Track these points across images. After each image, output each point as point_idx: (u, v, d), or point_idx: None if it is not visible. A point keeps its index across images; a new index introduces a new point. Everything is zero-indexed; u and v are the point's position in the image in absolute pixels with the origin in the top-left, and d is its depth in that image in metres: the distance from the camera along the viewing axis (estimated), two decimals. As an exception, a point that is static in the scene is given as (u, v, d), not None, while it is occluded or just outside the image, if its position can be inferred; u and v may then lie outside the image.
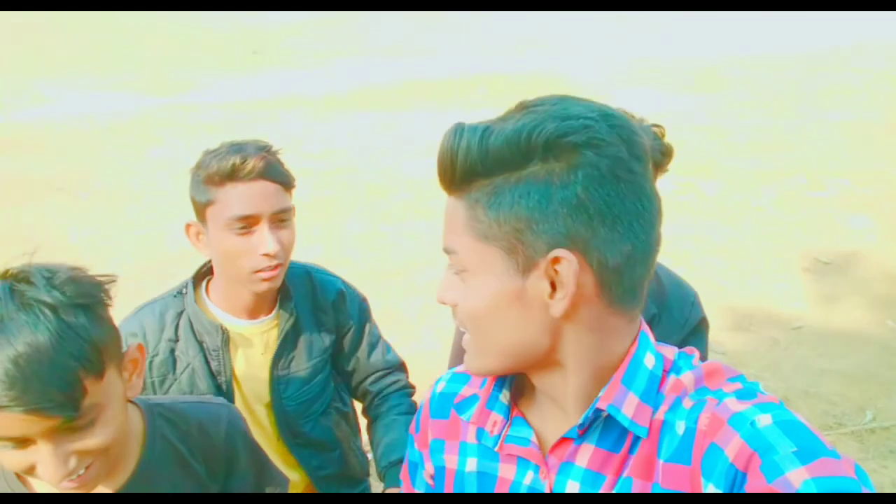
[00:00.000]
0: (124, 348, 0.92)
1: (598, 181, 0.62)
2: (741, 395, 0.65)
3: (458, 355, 1.54)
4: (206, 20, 16.35)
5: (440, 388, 0.87)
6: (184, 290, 1.39)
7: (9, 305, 0.78)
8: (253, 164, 1.24)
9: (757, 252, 4.58)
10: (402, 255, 4.50)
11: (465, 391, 0.83)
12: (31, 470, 0.83)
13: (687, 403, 0.67)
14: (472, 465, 0.79)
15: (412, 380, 1.68)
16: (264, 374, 1.41)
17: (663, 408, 0.68)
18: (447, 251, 0.70)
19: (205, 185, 1.27)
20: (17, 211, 5.25)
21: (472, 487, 0.78)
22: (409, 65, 11.64)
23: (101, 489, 0.92)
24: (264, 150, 1.29)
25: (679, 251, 4.46)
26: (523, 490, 0.74)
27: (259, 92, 9.73)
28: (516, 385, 0.78)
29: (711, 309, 3.81)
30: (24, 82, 10.04)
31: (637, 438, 0.68)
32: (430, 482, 0.86)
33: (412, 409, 1.58)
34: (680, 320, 1.37)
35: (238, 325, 1.38)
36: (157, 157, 6.47)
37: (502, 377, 0.77)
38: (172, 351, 1.36)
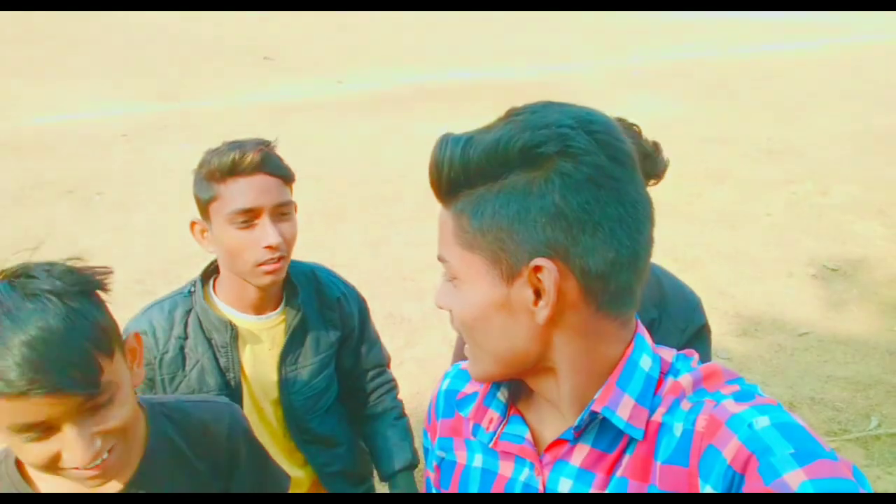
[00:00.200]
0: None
1: (576, 189, 0.63)
2: (739, 397, 0.66)
3: (460, 358, 1.56)
4: (217, 26, 16.46)
5: (445, 385, 0.89)
6: (192, 288, 1.42)
7: (14, 297, 0.80)
8: (251, 157, 1.27)
9: (764, 258, 4.56)
10: (409, 260, 4.52)
11: (468, 388, 0.85)
12: (55, 462, 0.83)
13: (685, 405, 0.68)
14: (478, 461, 0.80)
15: (418, 383, 1.71)
16: (272, 370, 1.43)
17: (661, 410, 0.69)
18: (440, 259, 0.72)
19: (206, 181, 1.30)
20: (28, 213, 5.30)
21: (475, 482, 0.79)
22: (417, 72, 11.68)
23: (105, 488, 0.93)
24: (263, 144, 1.32)
25: (686, 257, 4.46)
26: (519, 486, 0.75)
27: (269, 97, 9.78)
28: (515, 385, 0.79)
29: (718, 314, 3.83)
30: (36, 88, 10.14)
31: (633, 440, 0.69)
32: (437, 474, 0.87)
33: (403, 412, 1.63)
34: (681, 325, 1.37)
35: (245, 321, 1.41)
36: (167, 161, 6.51)
37: None
38: (182, 348, 1.38)
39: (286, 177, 1.34)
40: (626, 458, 0.69)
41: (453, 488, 0.82)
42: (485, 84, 10.16)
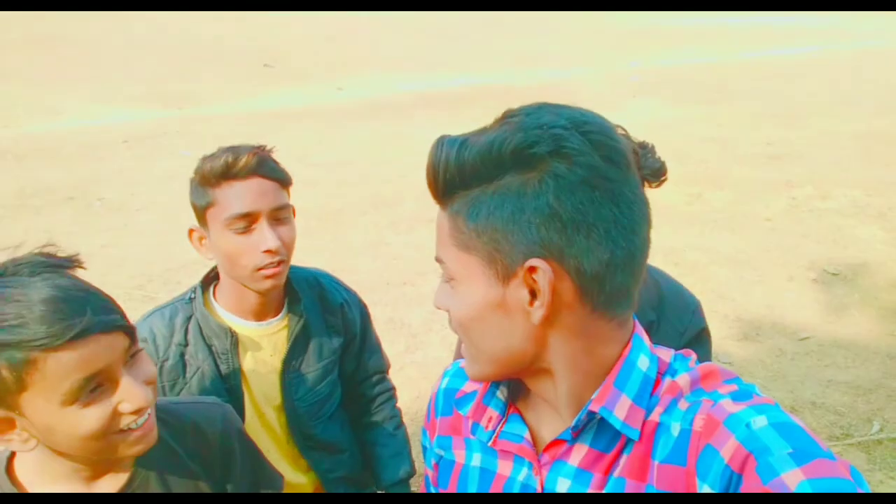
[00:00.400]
0: None
1: (570, 190, 0.63)
2: (737, 397, 0.66)
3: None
4: (217, 33, 16.51)
5: (444, 383, 0.89)
6: (192, 295, 1.41)
7: (15, 278, 0.81)
8: (246, 160, 1.26)
9: (764, 262, 4.57)
10: (409, 264, 4.52)
11: (467, 387, 0.85)
12: (114, 419, 0.84)
13: (682, 405, 0.68)
14: (477, 460, 0.80)
15: (418, 388, 1.71)
16: (274, 376, 1.43)
17: (658, 410, 0.69)
18: (437, 261, 0.72)
19: (202, 187, 1.29)
20: (29, 219, 5.31)
21: (473, 482, 0.79)
22: (416, 78, 11.72)
23: (100, 489, 0.93)
24: (257, 148, 1.31)
25: (687, 261, 4.46)
26: (517, 486, 0.75)
27: (269, 104, 9.81)
28: (515, 383, 0.80)
29: (718, 318, 3.83)
30: (38, 95, 10.16)
31: (630, 440, 0.69)
32: (435, 473, 0.87)
33: (401, 422, 1.63)
34: (679, 328, 1.36)
35: (246, 328, 1.40)
36: (167, 167, 6.53)
37: None
38: (182, 355, 1.37)
39: (283, 180, 1.33)
40: (623, 458, 0.69)
41: (452, 487, 0.82)
42: (484, 90, 10.19)
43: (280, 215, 1.31)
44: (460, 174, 0.66)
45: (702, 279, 4.21)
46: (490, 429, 0.78)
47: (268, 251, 1.28)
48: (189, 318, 1.39)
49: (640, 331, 0.73)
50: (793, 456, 0.58)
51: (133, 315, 1.43)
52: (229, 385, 1.38)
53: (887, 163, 6.52)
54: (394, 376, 1.70)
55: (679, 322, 1.37)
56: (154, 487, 0.97)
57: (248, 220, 1.27)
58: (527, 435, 0.76)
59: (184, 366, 1.37)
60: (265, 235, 1.27)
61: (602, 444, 0.70)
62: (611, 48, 14.74)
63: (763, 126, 8.16)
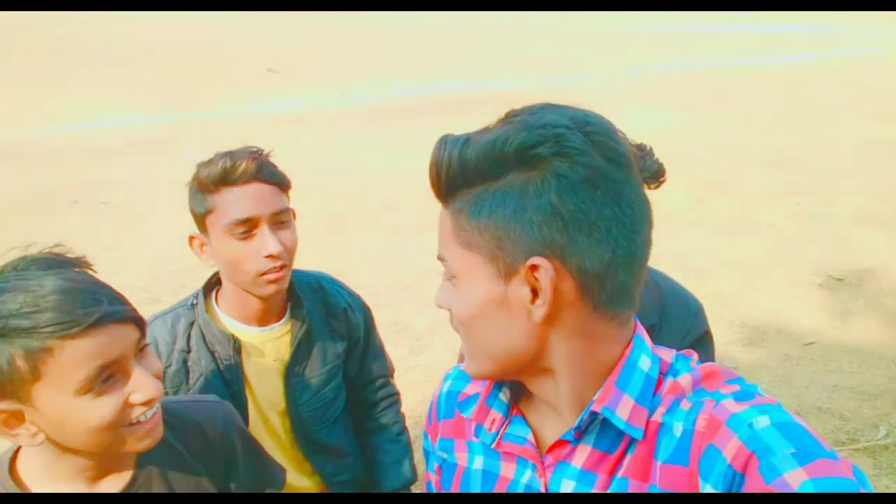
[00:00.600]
0: None
1: (572, 189, 0.63)
2: (739, 397, 0.66)
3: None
4: (222, 38, 16.57)
5: (447, 386, 0.89)
6: (194, 301, 1.40)
7: (29, 273, 0.82)
8: (245, 166, 1.24)
9: (769, 268, 4.56)
10: (412, 268, 4.52)
11: (469, 389, 0.85)
12: (125, 410, 0.84)
13: (685, 405, 0.68)
14: (479, 462, 0.80)
15: (422, 391, 1.70)
16: (277, 381, 1.42)
17: (661, 410, 0.69)
18: (439, 259, 0.72)
19: (201, 194, 1.28)
20: (34, 222, 5.33)
21: (476, 485, 0.79)
22: (419, 83, 11.74)
23: (103, 489, 0.93)
24: (255, 153, 1.29)
25: (691, 266, 4.45)
26: (521, 488, 0.75)
27: (272, 109, 9.84)
28: (517, 385, 0.79)
29: (723, 324, 3.82)
30: (43, 99, 10.22)
31: (633, 440, 0.69)
32: (438, 476, 0.87)
33: (404, 427, 1.62)
34: (681, 331, 1.36)
35: (249, 334, 1.39)
36: (170, 171, 6.55)
37: None
38: (185, 361, 1.36)
39: (282, 184, 1.32)
40: (627, 459, 0.69)
41: (454, 490, 0.82)
42: (487, 95, 10.21)
43: (281, 219, 1.30)
44: (463, 172, 0.66)
45: (706, 285, 4.20)
46: (493, 431, 0.78)
47: (270, 256, 1.27)
48: (191, 325, 1.38)
49: (642, 331, 0.73)
50: (795, 456, 0.58)
51: (137, 317, 1.44)
52: (233, 391, 1.37)
53: (891, 169, 6.51)
54: (398, 380, 1.70)
55: (681, 325, 1.37)
56: (157, 486, 0.97)
57: (248, 226, 1.26)
58: (530, 437, 0.76)
59: (187, 372, 1.36)
60: (266, 240, 1.26)
61: (605, 445, 0.70)
62: (615, 54, 14.75)
63: (767, 132, 8.16)
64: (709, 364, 0.72)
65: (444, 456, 0.85)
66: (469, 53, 14.85)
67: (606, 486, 0.69)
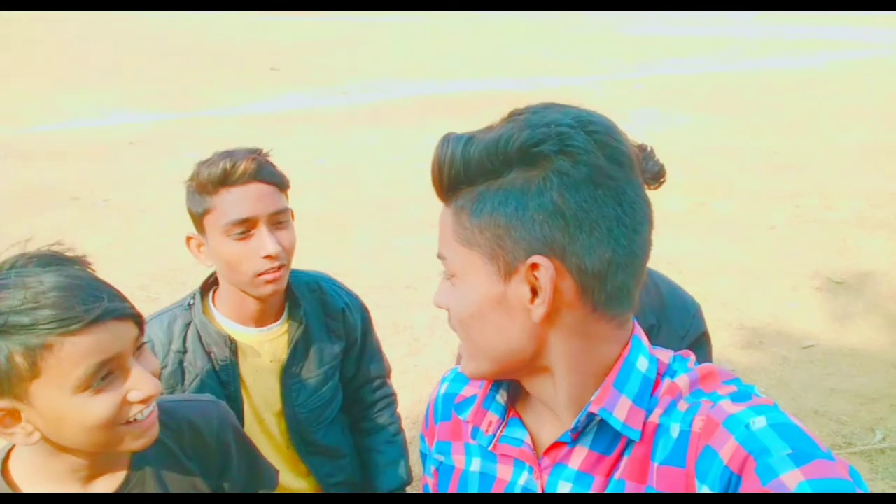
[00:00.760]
0: None
1: (574, 187, 0.63)
2: (736, 398, 0.65)
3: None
4: (224, 37, 16.58)
5: (443, 389, 0.88)
6: (191, 301, 1.39)
7: (28, 270, 0.82)
8: (244, 166, 1.23)
9: (769, 271, 4.55)
10: (412, 268, 4.52)
11: (466, 391, 0.84)
12: (123, 407, 0.84)
13: (682, 406, 0.68)
14: (476, 465, 0.80)
15: (420, 392, 1.70)
16: (274, 382, 1.41)
17: (658, 411, 0.68)
18: (439, 257, 0.72)
19: (199, 194, 1.27)
20: (35, 219, 5.33)
21: (473, 487, 0.79)
22: (420, 83, 11.75)
23: (97, 489, 0.92)
24: (254, 153, 1.28)
25: (691, 269, 4.45)
26: (518, 490, 0.75)
27: (274, 107, 9.85)
28: (514, 387, 0.79)
29: (722, 326, 3.82)
30: (45, 96, 10.22)
31: (630, 441, 0.69)
32: (434, 479, 0.87)
33: (400, 429, 1.62)
34: (679, 332, 1.36)
35: (246, 334, 1.38)
36: (171, 169, 6.55)
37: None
38: (181, 362, 1.35)
39: (280, 184, 1.31)
40: (624, 461, 0.69)
41: (451, 492, 0.82)
42: (488, 95, 10.21)
43: (279, 219, 1.29)
44: (465, 170, 0.66)
45: (706, 287, 4.20)
46: (490, 433, 0.77)
47: (268, 256, 1.26)
48: (188, 325, 1.37)
49: (640, 332, 0.73)
50: (792, 457, 0.58)
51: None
52: (229, 392, 1.36)
53: (893, 174, 6.51)
54: (395, 380, 1.69)
55: (680, 326, 1.37)
56: (151, 486, 0.97)
57: (246, 226, 1.25)
58: (527, 439, 0.76)
59: (182, 373, 1.35)
60: (264, 241, 1.25)
61: (602, 447, 0.70)
62: (616, 56, 14.75)
63: (768, 135, 8.16)
64: (706, 365, 0.72)
65: (441, 458, 0.85)
66: (471, 54, 14.86)
67: (603, 487, 0.69)
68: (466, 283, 0.69)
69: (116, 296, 0.85)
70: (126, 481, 0.95)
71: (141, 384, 0.85)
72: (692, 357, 0.74)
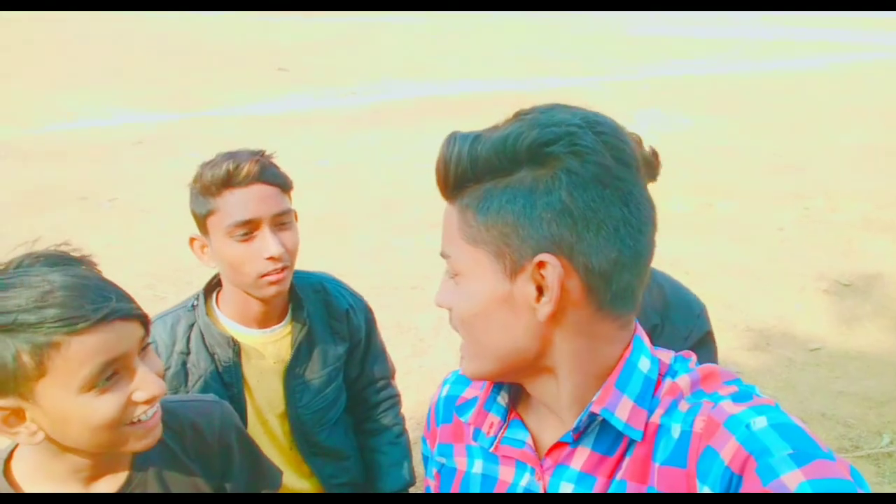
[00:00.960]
0: None
1: (582, 187, 0.63)
2: (737, 398, 0.65)
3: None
4: (231, 37, 16.62)
5: (445, 391, 0.88)
6: (194, 302, 1.39)
7: (35, 268, 0.82)
8: (248, 168, 1.24)
9: (775, 272, 4.54)
10: (414, 268, 4.52)
11: (467, 393, 0.84)
12: (128, 407, 0.84)
13: (683, 406, 0.68)
14: (478, 467, 0.80)
15: (424, 393, 1.69)
16: (277, 383, 1.41)
17: (659, 411, 0.68)
18: (443, 255, 0.72)
19: (202, 196, 1.27)
20: (41, 218, 5.35)
21: (475, 488, 0.79)
22: (428, 83, 11.75)
23: (99, 489, 0.92)
24: (258, 154, 1.29)
25: (696, 270, 4.44)
26: (520, 492, 0.75)
27: (277, 108, 9.86)
28: (515, 389, 0.79)
29: (728, 328, 3.81)
30: (51, 96, 10.26)
31: (632, 442, 0.69)
32: (436, 481, 0.87)
33: (403, 430, 1.61)
34: (683, 332, 1.35)
35: (249, 336, 1.38)
36: (176, 169, 6.57)
37: None
38: (184, 363, 1.35)
39: (284, 185, 1.31)
40: (626, 461, 0.69)
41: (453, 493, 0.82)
42: (494, 96, 10.21)
43: (282, 221, 1.29)
44: (473, 168, 0.66)
45: (711, 288, 4.18)
46: (491, 434, 0.77)
47: (271, 258, 1.26)
48: (191, 326, 1.37)
49: (641, 332, 0.73)
50: (793, 457, 0.58)
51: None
52: (232, 393, 1.36)
53: (897, 175, 6.48)
54: (399, 381, 1.69)
55: (683, 326, 1.36)
56: (152, 487, 0.97)
57: (249, 228, 1.25)
58: (529, 440, 0.75)
59: (185, 374, 1.36)
60: (268, 242, 1.25)
61: (604, 447, 0.70)
62: (621, 57, 14.73)
63: (774, 137, 8.13)
64: (707, 365, 0.72)
65: (443, 461, 0.85)
66: (472, 54, 14.87)
67: (605, 488, 0.69)
68: (471, 282, 0.69)
69: (123, 296, 0.85)
70: (128, 481, 0.94)
71: (146, 384, 0.85)
72: (693, 357, 0.74)
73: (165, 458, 0.99)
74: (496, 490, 0.77)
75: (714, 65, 13.72)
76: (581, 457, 0.71)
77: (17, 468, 0.90)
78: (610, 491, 0.69)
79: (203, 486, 1.03)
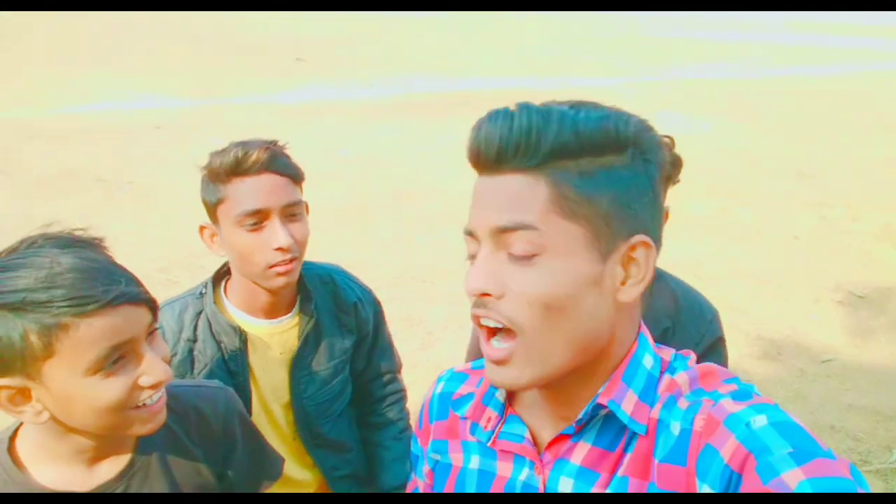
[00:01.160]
0: None
1: (660, 180, 0.68)
2: (737, 397, 0.65)
3: (474, 357, 1.54)
4: (252, 27, 16.67)
5: (439, 388, 0.87)
6: (203, 290, 1.39)
7: (46, 250, 0.82)
8: (257, 156, 1.23)
9: (790, 281, 4.49)
10: (429, 261, 4.52)
11: (463, 390, 0.84)
12: (134, 391, 0.84)
13: (682, 404, 0.67)
14: (475, 462, 0.79)
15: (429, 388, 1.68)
16: (283, 374, 1.41)
17: (658, 406, 0.69)
18: (507, 229, 0.64)
19: (212, 183, 1.26)
20: (59, 199, 5.41)
21: (472, 484, 0.78)
22: (446, 78, 11.74)
23: (102, 471, 0.93)
24: (269, 144, 1.28)
25: (709, 274, 4.40)
26: (518, 487, 0.74)
27: (298, 97, 9.90)
28: None
29: (739, 335, 3.77)
30: (73, 79, 10.36)
31: (633, 438, 0.68)
32: (429, 479, 0.86)
33: (408, 425, 1.61)
34: (695, 336, 1.34)
35: (256, 326, 1.38)
36: (197, 154, 6.61)
37: None
38: (191, 351, 1.35)
39: (295, 176, 1.30)
40: (627, 457, 0.69)
41: (448, 492, 0.81)
42: (512, 93, 10.16)
43: (292, 212, 1.28)
44: (577, 141, 0.63)
45: (723, 294, 4.15)
46: (489, 429, 0.77)
47: (279, 249, 1.25)
48: (199, 314, 1.37)
49: (645, 330, 0.74)
50: (793, 455, 0.58)
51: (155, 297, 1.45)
52: (237, 382, 1.36)
53: (920, 188, 6.38)
54: (406, 375, 1.68)
55: (695, 330, 1.35)
56: (155, 471, 0.97)
57: (259, 217, 1.24)
58: (527, 434, 0.75)
59: (192, 361, 1.36)
60: (277, 233, 1.24)
61: (605, 442, 0.70)
62: (643, 58, 14.62)
63: (793, 143, 8.05)
64: (706, 364, 0.72)
65: (438, 458, 0.84)
66: (495, 50, 14.82)
67: (606, 483, 0.69)
68: (559, 259, 0.64)
69: (133, 280, 0.85)
70: (131, 464, 0.95)
71: (152, 369, 0.85)
72: (692, 356, 0.74)
73: (169, 442, 0.99)
74: (494, 485, 0.76)
75: (736, 69, 13.58)
76: (581, 451, 0.71)
77: (21, 447, 0.91)
78: (611, 487, 0.69)
79: (205, 472, 1.03)
